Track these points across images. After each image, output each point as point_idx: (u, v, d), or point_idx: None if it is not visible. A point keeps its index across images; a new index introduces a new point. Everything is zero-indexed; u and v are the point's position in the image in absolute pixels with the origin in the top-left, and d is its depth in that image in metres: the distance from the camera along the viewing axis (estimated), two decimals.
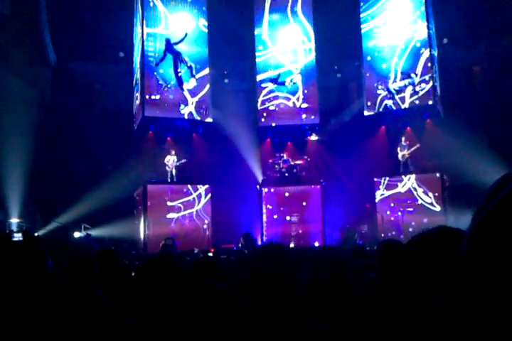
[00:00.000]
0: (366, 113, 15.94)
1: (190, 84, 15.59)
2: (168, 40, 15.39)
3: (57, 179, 15.23)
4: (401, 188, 14.87)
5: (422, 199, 14.48)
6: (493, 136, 14.35)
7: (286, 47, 16.84)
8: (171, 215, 14.64)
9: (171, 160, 15.10)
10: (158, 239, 13.33)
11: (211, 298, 2.08)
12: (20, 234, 8.64)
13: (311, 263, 2.95)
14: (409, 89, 15.21)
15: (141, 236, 14.48)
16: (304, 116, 16.59)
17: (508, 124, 14.60)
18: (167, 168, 15.09)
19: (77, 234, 14.00)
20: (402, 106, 15.37)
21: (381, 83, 15.69)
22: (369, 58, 16.04)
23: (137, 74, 15.72)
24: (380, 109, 15.71)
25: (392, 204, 14.94)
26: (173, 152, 15.21)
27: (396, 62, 15.48)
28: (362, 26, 16.17)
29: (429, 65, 14.93)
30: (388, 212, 14.93)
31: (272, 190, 15.87)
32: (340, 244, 14.06)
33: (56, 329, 1.84)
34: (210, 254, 9.72)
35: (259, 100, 16.67)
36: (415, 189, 14.62)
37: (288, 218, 15.47)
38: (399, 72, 15.40)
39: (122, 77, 16.93)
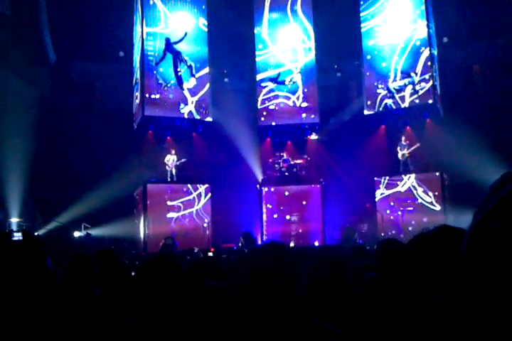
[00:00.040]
0: (366, 112, 15.93)
1: (190, 83, 15.58)
2: (167, 40, 15.38)
3: (57, 178, 15.23)
4: (401, 187, 14.87)
5: (421, 198, 14.48)
6: (493, 135, 14.34)
7: (286, 46, 16.83)
8: (170, 214, 14.65)
9: (170, 160, 15.10)
10: (158, 239, 13.32)
11: (211, 297, 2.08)
12: (20, 234, 8.65)
13: (311, 262, 2.95)
14: (409, 88, 15.21)
15: (141, 235, 14.49)
16: (303, 115, 16.58)
17: (508, 123, 14.60)
18: (167, 167, 15.09)
19: (77, 234, 14.01)
20: (402, 106, 15.37)
21: (381, 82, 15.69)
22: (369, 57, 16.04)
23: (137, 74, 15.71)
24: (380, 108, 15.71)
25: (392, 203, 14.95)
26: (173, 151, 15.21)
27: (396, 61, 15.47)
28: (362, 25, 16.16)
29: (429, 64, 14.92)
30: (388, 211, 14.94)
31: (272, 190, 15.87)
32: (341, 243, 14.07)
33: (56, 327, 1.84)
34: (210, 254, 9.71)
35: (259, 99, 16.66)
36: (415, 188, 14.63)
37: (288, 217, 15.47)
38: (399, 71, 15.40)
39: (122, 76, 16.93)
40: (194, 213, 14.94)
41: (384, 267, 2.98)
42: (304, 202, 15.52)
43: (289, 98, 16.62)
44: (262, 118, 16.67)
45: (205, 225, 14.91)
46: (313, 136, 17.05)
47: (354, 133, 15.91)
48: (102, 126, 16.06)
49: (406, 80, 15.23)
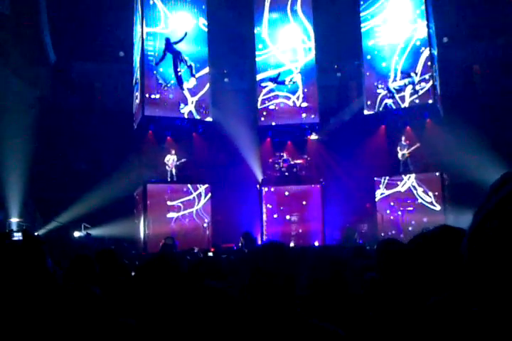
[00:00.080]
0: (366, 112, 15.93)
1: (190, 83, 15.58)
2: (167, 40, 15.38)
3: (57, 178, 15.24)
4: (401, 187, 14.87)
5: (422, 198, 14.48)
6: (493, 135, 14.35)
7: (286, 46, 16.83)
8: (171, 215, 14.65)
9: (170, 160, 15.09)
10: (158, 239, 13.33)
11: (211, 297, 2.08)
12: (20, 234, 8.65)
13: (311, 262, 2.95)
14: (409, 88, 15.21)
15: (141, 235, 14.49)
16: (303, 115, 16.58)
17: (508, 123, 14.60)
18: (167, 167, 15.09)
19: (77, 234, 14.01)
20: (402, 106, 15.36)
21: (381, 82, 15.69)
22: (369, 57, 16.03)
23: (137, 74, 15.71)
24: (380, 108, 15.71)
25: (392, 203, 14.95)
26: (173, 151, 15.21)
27: (396, 61, 15.47)
28: (362, 25, 16.15)
29: (429, 64, 14.92)
30: (388, 211, 14.94)
31: (272, 190, 15.87)
32: (341, 243, 14.07)
33: (56, 327, 1.84)
34: (211, 254, 9.71)
35: (259, 99, 16.66)
36: (415, 188, 14.63)
37: (288, 217, 15.47)
38: (399, 71, 15.40)
39: (122, 76, 16.94)
40: (194, 213, 14.94)
41: (384, 267, 2.98)
42: (304, 202, 15.52)
43: (289, 98, 16.62)
44: (262, 118, 16.67)
45: (205, 225, 14.91)
46: (313, 136, 17.05)
47: (354, 133, 15.91)
48: (102, 126, 16.07)
49: (406, 80, 15.23)
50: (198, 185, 15.13)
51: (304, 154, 16.61)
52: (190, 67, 15.59)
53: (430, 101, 14.87)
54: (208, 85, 15.86)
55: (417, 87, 15.05)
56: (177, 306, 2.03)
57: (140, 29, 15.22)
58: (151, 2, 15.34)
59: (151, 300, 2.09)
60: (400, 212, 14.76)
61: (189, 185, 15.08)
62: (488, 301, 0.81)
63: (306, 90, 16.55)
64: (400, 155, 14.98)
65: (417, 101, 15.09)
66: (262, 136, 16.91)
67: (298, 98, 16.55)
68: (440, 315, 1.11)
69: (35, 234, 11.52)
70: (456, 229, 1.52)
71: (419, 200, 14.50)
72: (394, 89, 15.43)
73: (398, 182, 14.91)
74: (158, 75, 15.19)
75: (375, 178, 15.28)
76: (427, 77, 14.92)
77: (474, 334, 0.90)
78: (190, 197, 14.99)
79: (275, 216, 15.56)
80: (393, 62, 15.52)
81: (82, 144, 15.97)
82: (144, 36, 15.05)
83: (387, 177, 15.12)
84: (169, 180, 15.08)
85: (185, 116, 15.55)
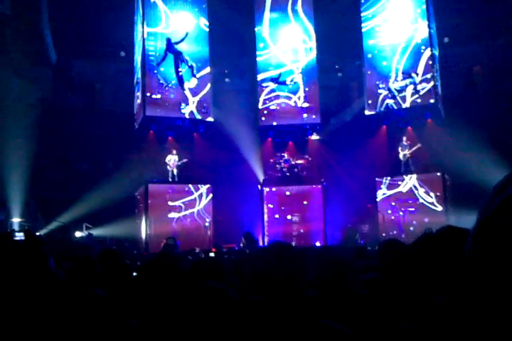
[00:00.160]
0: (367, 112, 15.92)
1: (191, 83, 15.59)
2: (168, 40, 15.39)
3: (59, 178, 15.25)
4: (402, 188, 14.86)
5: (423, 198, 14.47)
6: (494, 135, 14.34)
7: (287, 46, 16.83)
8: (172, 215, 14.65)
9: (172, 160, 15.10)
10: (159, 239, 13.34)
11: (211, 297, 2.08)
12: (22, 234, 8.66)
13: (312, 262, 2.95)
14: (410, 89, 15.20)
15: (143, 235, 14.49)
16: (305, 115, 16.58)
17: (509, 123, 14.59)
18: (168, 167, 15.09)
19: (78, 234, 14.01)
20: (403, 106, 15.36)
21: (382, 82, 15.68)
22: (370, 56, 16.02)
23: (138, 74, 15.72)
24: (381, 109, 15.71)
25: (393, 204, 14.94)
26: (175, 151, 15.22)
27: (397, 61, 15.46)
28: (363, 25, 16.15)
29: (430, 62, 14.91)
30: (389, 211, 14.93)
31: (274, 190, 15.86)
32: (342, 243, 14.07)
33: (57, 327, 1.84)
34: (212, 254, 9.72)
35: (261, 99, 16.65)
36: (416, 188, 14.61)
37: (289, 217, 15.46)
38: (400, 72, 15.39)
39: (123, 76, 16.95)
40: (195, 213, 14.94)
41: (386, 267, 2.98)
42: (305, 202, 15.52)
43: (290, 98, 16.62)
44: (263, 118, 16.67)
45: (206, 224, 14.92)
46: (315, 136, 17.05)
47: (355, 133, 15.91)
48: (103, 126, 16.08)
49: (407, 81, 15.22)
50: (200, 185, 15.13)
51: (305, 154, 16.61)
52: (191, 67, 15.59)
53: (432, 101, 14.86)
54: (209, 85, 15.86)
55: (419, 87, 15.04)
56: (178, 306, 2.03)
57: (141, 29, 15.23)
58: (152, 0, 15.35)
59: (152, 301, 2.09)
60: (401, 213, 14.75)
61: (190, 185, 15.08)
62: (491, 301, 0.81)
63: (307, 89, 16.54)
64: (401, 156, 14.97)
65: (419, 100, 15.08)
66: (263, 136, 16.91)
67: (299, 98, 16.55)
68: (443, 316, 1.11)
69: (37, 234, 11.52)
70: (461, 229, 1.52)
71: (421, 201, 14.49)
72: (395, 89, 15.42)
73: (399, 182, 14.90)
74: (160, 75, 15.20)
75: (377, 179, 15.27)
76: (428, 76, 14.92)
77: (478, 335, 0.90)
78: (192, 197, 15.00)
79: (276, 216, 15.55)
80: (394, 62, 15.51)
81: (83, 144, 15.98)
82: (145, 36, 15.06)
83: (389, 178, 15.11)
84: (170, 180, 15.08)
85: (187, 116, 15.56)
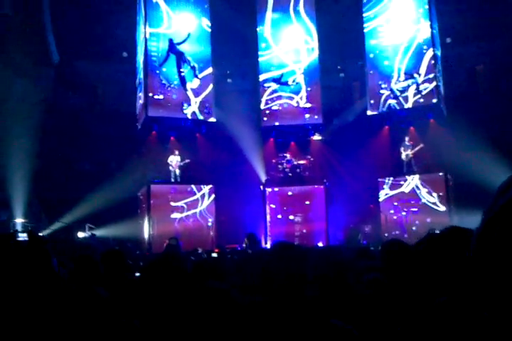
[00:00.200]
0: (369, 113, 15.92)
1: (193, 83, 15.60)
2: (171, 41, 15.41)
3: (62, 179, 15.27)
4: (405, 188, 14.85)
5: (426, 199, 14.45)
6: (497, 135, 14.31)
7: (289, 46, 16.82)
8: (174, 215, 14.66)
9: (174, 160, 15.11)
10: (162, 239, 13.37)
11: (214, 297, 2.08)
12: (25, 234, 8.67)
13: (315, 262, 2.95)
14: (412, 89, 15.19)
15: (146, 236, 14.51)
16: (307, 115, 16.57)
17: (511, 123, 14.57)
18: (170, 167, 15.10)
19: (81, 234, 14.03)
20: (406, 106, 15.34)
21: (384, 82, 15.67)
22: (372, 55, 16.01)
23: (140, 74, 15.74)
24: (384, 109, 15.69)
25: (395, 203, 14.93)
26: (177, 152, 15.23)
27: (399, 61, 15.44)
28: (365, 25, 16.14)
29: (433, 62, 14.90)
30: (392, 211, 14.92)
31: (276, 190, 15.86)
32: (344, 243, 14.06)
33: (60, 327, 1.85)
34: (215, 255, 9.72)
35: (263, 100, 16.65)
36: (419, 188, 14.60)
37: (291, 218, 15.46)
38: (402, 72, 15.37)
39: (125, 76, 16.95)
40: (198, 214, 14.95)
41: (389, 267, 2.98)
42: (308, 203, 15.51)
43: (292, 98, 16.62)
44: (265, 119, 16.67)
45: (209, 224, 14.93)
46: (317, 137, 17.04)
47: (357, 133, 15.90)
48: (105, 127, 16.09)
49: (409, 81, 15.20)
50: (202, 186, 15.14)
51: (307, 155, 16.60)
52: (193, 67, 15.60)
53: (434, 101, 14.85)
54: (211, 86, 15.87)
55: (421, 87, 15.03)
56: (181, 307, 2.03)
57: (143, 29, 15.25)
58: (154, 0, 15.36)
59: (155, 301, 2.10)
60: (404, 213, 14.74)
61: (193, 186, 15.09)
62: (495, 302, 0.81)
63: (309, 89, 16.53)
64: (403, 156, 14.95)
65: (421, 100, 15.06)
66: (266, 136, 16.91)
67: (301, 98, 16.54)
68: (446, 316, 1.11)
69: (40, 234, 11.55)
70: (465, 229, 1.52)
71: (423, 201, 14.48)
72: (397, 90, 15.40)
73: (402, 182, 14.89)
74: (162, 76, 15.22)
75: (379, 179, 15.26)
76: (431, 76, 14.90)
77: (481, 335, 0.90)
78: (194, 197, 15.01)
79: (279, 216, 15.55)
80: (396, 62, 15.50)
81: (85, 145, 16.00)
82: (147, 36, 15.08)
83: (391, 178, 15.10)
84: (173, 180, 15.09)
85: (189, 117, 15.57)
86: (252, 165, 16.19)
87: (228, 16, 16.45)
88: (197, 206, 14.97)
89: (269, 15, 16.93)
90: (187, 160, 15.09)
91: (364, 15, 16.17)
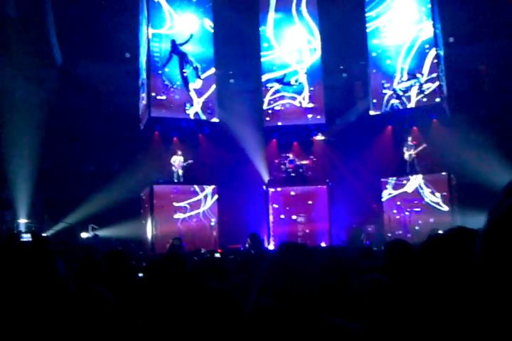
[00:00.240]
0: (372, 113, 15.90)
1: (196, 84, 15.62)
2: (173, 42, 15.42)
3: (65, 179, 15.30)
4: (408, 188, 14.83)
5: (429, 199, 14.43)
6: (500, 135, 14.27)
7: (292, 46, 16.82)
8: (177, 215, 14.68)
9: (177, 161, 15.12)
10: (165, 239, 13.39)
11: (216, 298, 2.08)
12: (29, 235, 8.69)
13: (317, 263, 2.95)
14: (415, 89, 15.17)
15: (149, 236, 14.52)
16: (309, 116, 16.56)
17: None
18: (173, 168, 15.11)
19: (84, 235, 14.05)
20: (409, 106, 15.32)
21: (387, 81, 15.65)
22: (374, 54, 15.99)
23: (143, 75, 15.77)
24: (387, 109, 15.68)
25: (398, 203, 14.91)
26: (180, 152, 15.24)
27: (402, 60, 15.42)
28: (367, 25, 16.13)
29: (435, 61, 14.87)
30: (395, 211, 14.90)
31: (279, 190, 15.86)
32: (347, 243, 14.05)
33: (63, 328, 1.85)
34: (217, 255, 9.71)
35: (266, 100, 16.65)
36: (422, 188, 14.58)
37: (294, 218, 15.46)
38: (405, 72, 15.35)
39: (128, 77, 16.98)
40: (201, 214, 14.96)
41: (392, 268, 2.97)
42: (310, 203, 15.50)
43: (294, 99, 16.61)
44: (268, 119, 16.67)
45: (212, 224, 14.94)
46: (320, 137, 17.03)
47: (360, 133, 15.88)
48: (108, 128, 16.11)
49: (412, 81, 15.18)
50: (205, 186, 15.16)
51: (310, 155, 16.60)
52: (196, 68, 15.61)
53: (437, 100, 14.82)
54: (213, 86, 15.88)
55: (424, 87, 15.00)
56: (183, 307, 2.04)
57: (146, 30, 15.27)
58: (156, 0, 15.38)
59: (158, 301, 2.10)
60: (407, 213, 14.71)
61: (196, 186, 15.10)
62: (501, 302, 0.81)
63: (312, 88, 16.52)
64: (406, 156, 14.93)
65: (424, 100, 15.04)
66: (268, 136, 16.91)
67: (304, 99, 16.54)
68: (449, 316, 1.11)
69: (43, 235, 11.57)
70: (471, 230, 1.51)
71: (426, 201, 14.46)
72: (400, 90, 15.38)
73: (405, 181, 14.88)
74: (164, 76, 15.24)
75: (382, 179, 15.25)
76: (434, 75, 14.88)
77: (485, 335, 0.90)
78: (197, 198, 15.02)
79: (282, 216, 15.55)
80: (399, 62, 15.48)
81: (88, 145, 16.03)
82: (150, 37, 15.10)
83: (394, 178, 15.08)
84: (176, 181, 15.11)
85: (192, 117, 15.58)
86: (255, 165, 16.19)
87: (230, 17, 16.46)
88: (200, 206, 14.98)
89: (272, 15, 16.94)
90: (190, 161, 15.10)
91: (366, 14, 16.16)
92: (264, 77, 16.76)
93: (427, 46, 15.05)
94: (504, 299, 0.80)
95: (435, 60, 14.88)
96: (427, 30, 15.13)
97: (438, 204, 14.26)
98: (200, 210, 14.96)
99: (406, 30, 15.51)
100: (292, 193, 15.66)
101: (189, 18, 15.85)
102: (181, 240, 12.61)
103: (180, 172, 15.10)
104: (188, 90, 15.50)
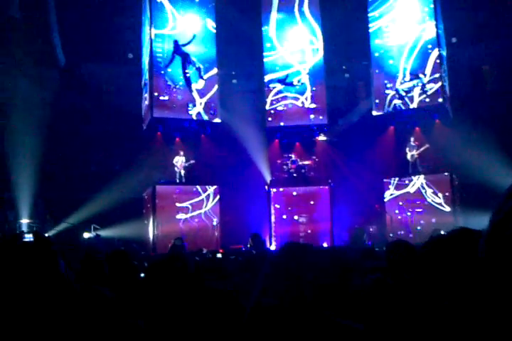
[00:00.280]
0: (375, 113, 15.88)
1: (198, 84, 15.63)
2: (176, 42, 15.43)
3: (67, 179, 15.33)
4: (410, 188, 14.81)
5: (431, 199, 14.41)
6: (503, 135, 14.24)
7: (294, 47, 16.82)
8: (179, 216, 14.69)
9: (179, 161, 15.14)
10: (167, 240, 13.40)
11: (217, 298, 2.09)
12: (31, 235, 8.70)
13: (319, 263, 2.94)
14: (417, 89, 15.15)
15: (150, 236, 14.54)
16: (312, 116, 16.55)
17: None
18: (176, 168, 15.13)
19: (86, 235, 14.07)
20: (411, 106, 15.30)
21: (390, 81, 15.63)
22: (377, 54, 15.98)
23: (146, 75, 15.78)
24: (389, 109, 15.66)
25: (400, 204, 14.89)
26: (182, 153, 15.26)
27: (405, 61, 15.40)
28: (370, 25, 16.11)
29: (438, 61, 14.86)
30: (397, 211, 14.88)
31: (281, 190, 15.86)
32: (349, 244, 14.04)
33: (66, 328, 1.85)
34: (219, 255, 9.71)
35: (268, 100, 16.65)
36: (424, 189, 14.56)
37: (296, 218, 15.46)
38: (407, 72, 15.33)
39: (131, 78, 17.00)
40: (203, 214, 14.96)
41: (394, 268, 2.97)
42: (312, 203, 15.50)
43: (297, 99, 16.61)
44: (270, 119, 16.66)
45: (214, 224, 14.95)
46: (322, 137, 17.03)
47: (363, 134, 15.87)
48: (111, 128, 16.14)
49: (415, 81, 15.16)
50: (207, 186, 15.16)
51: (312, 155, 16.59)
52: (198, 69, 15.62)
53: (440, 100, 14.80)
54: (216, 86, 15.89)
55: (426, 87, 14.98)
56: (185, 307, 2.04)
57: (148, 31, 15.29)
58: (159, 1, 15.39)
59: (160, 301, 2.10)
60: (409, 213, 14.70)
61: (198, 187, 15.11)
62: (504, 302, 0.81)
63: (314, 88, 16.51)
64: (409, 156, 14.92)
65: (427, 100, 15.02)
66: (271, 137, 16.91)
67: (306, 99, 16.53)
68: (452, 317, 1.11)
69: (46, 235, 11.59)
70: (474, 231, 1.51)
71: (429, 201, 14.44)
72: (403, 90, 15.37)
73: (407, 182, 14.86)
74: (167, 77, 15.25)
75: (384, 179, 15.24)
76: (437, 76, 14.85)
77: (489, 336, 0.90)
78: (199, 198, 15.02)
79: (284, 217, 15.55)
80: (402, 62, 15.46)
81: (91, 145, 16.06)
82: (153, 38, 15.12)
83: (397, 178, 15.07)
84: (178, 181, 15.13)
85: (194, 118, 15.59)
86: (257, 165, 16.20)
87: (233, 17, 16.46)
88: (202, 206, 14.99)
89: (274, 15, 16.93)
90: (192, 161, 15.11)
91: (369, 15, 16.14)
92: (267, 78, 16.76)
93: (429, 46, 15.03)
94: (507, 299, 0.80)
95: (438, 60, 14.87)
96: (429, 30, 15.11)
97: (440, 204, 14.24)
98: (202, 210, 14.97)
99: (409, 30, 15.49)
100: (294, 193, 15.66)
101: (192, 19, 15.86)
102: (183, 240, 12.62)
103: (183, 172, 15.12)
104: (191, 90, 15.51)
